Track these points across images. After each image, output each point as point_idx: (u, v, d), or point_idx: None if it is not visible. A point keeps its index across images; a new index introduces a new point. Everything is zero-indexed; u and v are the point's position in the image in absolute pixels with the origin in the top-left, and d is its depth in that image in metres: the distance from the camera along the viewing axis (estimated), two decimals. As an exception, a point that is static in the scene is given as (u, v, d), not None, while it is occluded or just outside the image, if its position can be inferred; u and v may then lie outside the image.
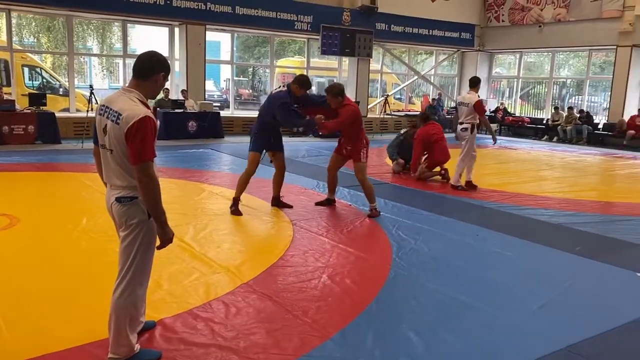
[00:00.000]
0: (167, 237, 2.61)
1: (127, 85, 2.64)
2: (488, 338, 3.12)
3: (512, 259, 4.64)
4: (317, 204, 6.23)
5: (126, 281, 2.61)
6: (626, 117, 14.69)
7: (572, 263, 4.56)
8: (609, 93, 15.54)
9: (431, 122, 8.59)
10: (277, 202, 6.06)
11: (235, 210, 5.71)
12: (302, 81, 5.63)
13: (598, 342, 3.10)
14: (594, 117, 16.01)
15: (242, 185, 5.79)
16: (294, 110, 5.61)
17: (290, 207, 6.00)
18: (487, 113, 17.57)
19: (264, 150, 5.85)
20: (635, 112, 14.59)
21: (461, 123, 7.44)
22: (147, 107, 2.56)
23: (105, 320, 2.68)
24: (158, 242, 2.65)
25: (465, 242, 5.07)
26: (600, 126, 15.59)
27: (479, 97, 7.44)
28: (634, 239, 5.27)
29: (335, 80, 17.70)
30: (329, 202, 6.26)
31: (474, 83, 7.58)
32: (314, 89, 18.96)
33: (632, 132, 14.19)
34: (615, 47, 14.96)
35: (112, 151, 2.53)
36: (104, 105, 2.57)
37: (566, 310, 3.55)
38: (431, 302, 3.62)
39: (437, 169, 8.31)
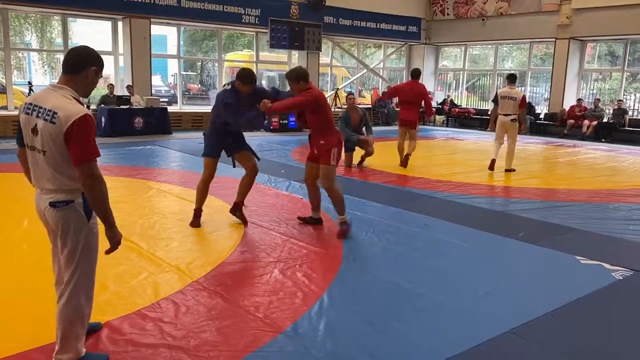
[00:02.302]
0: (116, 239, 2.50)
1: (57, 82, 2.51)
2: (436, 324, 3.19)
3: (459, 246, 4.75)
4: (300, 219, 5.31)
5: (70, 289, 2.50)
6: (566, 107, 15.28)
7: (516, 248, 4.72)
8: (550, 84, 16.12)
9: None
10: (236, 211, 5.20)
11: (194, 221, 5.08)
12: (243, 76, 4.81)
13: (540, 323, 3.23)
14: (536, 107, 16.59)
15: (201, 194, 5.12)
16: (236, 107, 4.82)
17: (245, 222, 5.17)
18: (435, 105, 18.02)
19: (228, 154, 5.14)
20: (574, 102, 15.20)
21: (508, 114, 8.49)
22: (82, 105, 2.44)
23: (48, 324, 2.60)
24: (107, 246, 2.53)
25: (414, 232, 5.16)
26: (541, 116, 16.17)
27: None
28: (575, 224, 5.50)
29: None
30: (314, 221, 5.22)
31: (515, 78, 8.72)
32: (264, 83, 18.90)
33: (572, 121, 14.79)
34: (554, 39, 15.52)
35: (45, 152, 2.37)
36: (31, 104, 2.41)
37: (510, 295, 3.67)
38: (381, 292, 3.67)
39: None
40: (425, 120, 8.86)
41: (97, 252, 2.59)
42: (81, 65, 2.45)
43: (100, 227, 2.54)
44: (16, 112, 11.72)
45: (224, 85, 5.30)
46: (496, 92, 9.07)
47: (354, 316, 3.27)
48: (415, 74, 8.87)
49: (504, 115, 8.56)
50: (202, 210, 5.17)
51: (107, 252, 2.52)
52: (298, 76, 4.75)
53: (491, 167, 8.63)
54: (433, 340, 2.99)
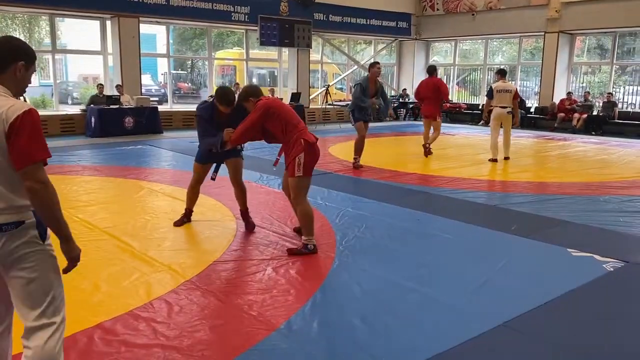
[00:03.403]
0: (75, 254, 2.12)
1: None
2: (429, 319, 3.20)
3: (451, 241, 4.77)
4: (295, 230, 4.87)
5: (56, 326, 2.08)
6: (556, 101, 15.36)
7: (509, 242, 4.74)
8: (540, 78, 16.19)
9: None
10: (244, 217, 5.01)
11: (178, 221, 5.04)
12: (218, 95, 4.56)
13: (532, 316, 3.24)
14: (526, 101, 16.65)
15: (190, 195, 5.08)
16: (207, 122, 4.62)
17: (253, 227, 4.94)
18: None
19: (214, 164, 4.94)
20: (564, 96, 15.28)
21: (504, 107, 8.98)
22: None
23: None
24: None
25: (407, 227, 5.17)
26: (532, 110, 16.24)
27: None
28: (566, 217, 5.53)
29: (276, 73, 17.63)
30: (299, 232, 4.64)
31: (505, 73, 9.43)
32: (254, 81, 18.85)
33: (562, 114, 14.86)
34: (543, 33, 15.58)
35: None
36: None
37: (503, 288, 3.69)
38: (374, 288, 3.67)
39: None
40: (442, 109, 9.63)
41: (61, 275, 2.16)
42: (5, 61, 2.04)
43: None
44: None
45: (209, 96, 5.05)
46: (490, 87, 9.23)
47: (348, 312, 3.27)
48: (430, 70, 9.50)
49: (501, 107, 9.02)
50: (192, 211, 5.14)
51: (65, 270, 2.14)
52: (246, 94, 4.36)
53: (495, 160, 9.11)
54: (426, 335, 3.00)
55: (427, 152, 9.41)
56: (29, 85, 2.18)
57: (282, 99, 14.77)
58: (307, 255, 4.25)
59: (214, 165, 4.95)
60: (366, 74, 8.26)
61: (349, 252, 4.37)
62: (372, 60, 18.99)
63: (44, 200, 1.97)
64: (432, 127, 9.48)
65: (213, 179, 4.97)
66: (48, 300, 2.06)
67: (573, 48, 16.01)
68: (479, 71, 18.93)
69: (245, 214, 5.02)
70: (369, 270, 4.00)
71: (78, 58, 19.36)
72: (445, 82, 12.47)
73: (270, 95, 4.61)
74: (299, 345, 2.87)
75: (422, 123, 9.92)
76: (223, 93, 4.54)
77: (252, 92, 4.41)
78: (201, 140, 4.82)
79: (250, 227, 4.94)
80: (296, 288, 3.63)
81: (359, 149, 8.34)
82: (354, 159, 8.36)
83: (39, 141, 1.97)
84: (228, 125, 4.47)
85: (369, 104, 8.10)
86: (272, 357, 2.75)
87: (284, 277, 3.81)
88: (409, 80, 18.90)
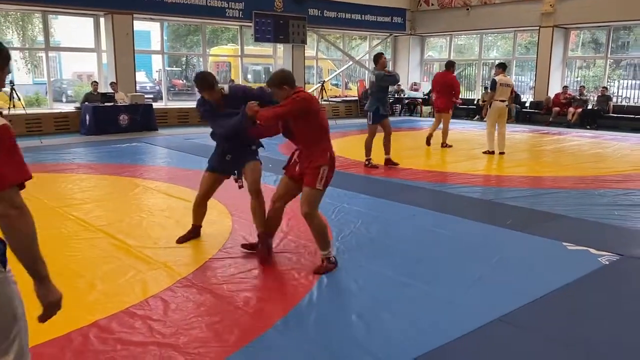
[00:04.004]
0: (54, 299, 1.76)
1: None
2: (425, 314, 3.20)
3: (447, 236, 4.77)
4: (243, 247, 4.32)
5: None
6: (551, 95, 15.38)
7: (504, 237, 4.74)
8: (534, 72, 16.20)
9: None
10: (262, 241, 4.12)
11: (182, 238, 4.43)
12: (196, 82, 4.11)
13: (528, 310, 3.25)
14: (521, 95, 16.66)
15: (196, 211, 4.53)
16: (212, 114, 4.16)
17: (268, 255, 4.07)
18: (421, 96, 18.05)
19: (233, 174, 4.36)
20: (559, 90, 15.30)
21: (503, 100, 9.20)
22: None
23: (32, 325, 2.44)
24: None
25: (403, 223, 5.17)
26: (527, 104, 16.26)
27: None
28: (561, 211, 5.54)
29: (271, 69, 17.57)
30: (252, 248, 4.22)
31: (506, 67, 9.65)
32: (249, 77, 18.81)
33: (557, 109, 14.89)
34: (538, 27, 15.58)
35: None
36: None
37: (498, 283, 3.69)
38: (371, 284, 3.68)
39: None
40: (456, 105, 10.08)
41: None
42: None
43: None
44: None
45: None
46: (494, 79, 9.31)
47: (344, 309, 3.28)
48: (446, 65, 10.07)
49: (500, 101, 9.20)
50: (199, 227, 4.56)
51: (41, 319, 1.78)
52: (281, 80, 3.76)
53: (491, 152, 9.29)
54: (422, 330, 3.00)
55: (428, 142, 9.89)
56: (4, 84, 1.94)
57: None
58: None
59: (235, 172, 4.35)
60: (373, 67, 8.15)
61: (345, 248, 4.37)
62: (367, 56, 19.03)
63: (19, 230, 1.66)
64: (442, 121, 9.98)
65: (241, 186, 4.36)
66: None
67: (568, 42, 16.03)
68: (474, 66, 18.93)
69: (265, 237, 4.10)
70: (365, 266, 4.00)
71: (72, 56, 19.25)
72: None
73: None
74: (296, 342, 2.86)
75: (417, 119, 9.97)
76: (200, 77, 4.05)
77: (288, 79, 3.79)
78: (216, 138, 4.32)
79: (265, 251, 4.08)
80: (293, 285, 3.63)
81: (369, 149, 8.14)
82: (367, 160, 8.07)
83: (15, 160, 1.68)
84: (230, 118, 4.02)
85: (398, 76, 8.29)
86: (268, 354, 2.75)
87: (280, 274, 3.81)
88: (404, 76, 18.84)
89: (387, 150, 8.12)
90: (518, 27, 16.45)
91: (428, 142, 9.90)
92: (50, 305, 1.74)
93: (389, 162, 8.12)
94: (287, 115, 3.78)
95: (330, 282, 3.68)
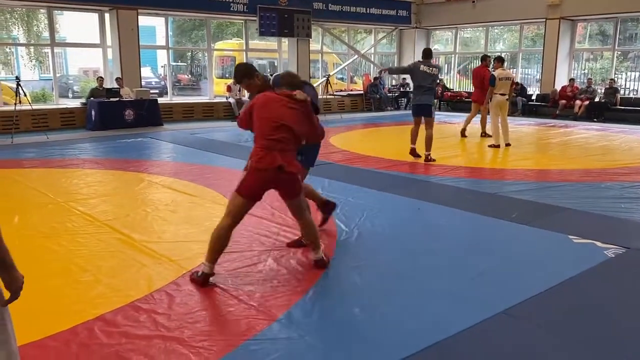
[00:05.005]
0: (17, 285, 1.79)
1: None
2: (429, 307, 3.20)
3: (451, 229, 4.76)
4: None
5: None
6: (557, 88, 15.27)
7: (509, 230, 4.72)
8: (541, 65, 16.09)
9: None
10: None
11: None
12: (234, 73, 4.05)
13: (533, 303, 3.24)
14: (528, 88, 16.56)
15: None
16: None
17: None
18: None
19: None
20: (566, 83, 15.19)
21: (504, 94, 9.33)
22: None
23: (39, 319, 2.55)
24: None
25: (407, 217, 5.16)
26: (533, 97, 16.16)
27: None
28: (567, 204, 5.51)
29: (276, 63, 17.54)
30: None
31: (504, 60, 9.89)
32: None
33: (563, 102, 14.79)
34: (544, 20, 15.47)
35: None
36: None
37: (503, 276, 3.68)
38: (374, 277, 3.67)
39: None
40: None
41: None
42: None
43: None
44: (5, 108, 11.62)
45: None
46: (492, 75, 9.28)
47: (348, 302, 3.27)
48: (481, 59, 10.88)
49: (500, 95, 9.33)
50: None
51: (5, 303, 1.82)
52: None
53: (497, 146, 9.30)
54: (426, 323, 3.00)
55: (462, 132, 10.63)
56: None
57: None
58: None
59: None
60: (418, 60, 8.28)
61: (350, 242, 4.37)
62: (372, 50, 18.97)
63: None
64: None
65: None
66: None
67: (574, 34, 15.90)
68: (480, 59, 18.79)
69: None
70: (369, 259, 4.00)
71: (77, 51, 19.32)
72: (444, 70, 12.67)
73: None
74: (299, 335, 2.87)
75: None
76: (238, 69, 3.97)
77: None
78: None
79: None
80: (297, 278, 3.63)
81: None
82: (427, 154, 8.03)
83: None
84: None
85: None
86: (272, 347, 2.76)
87: (284, 268, 3.81)
88: (409, 69, 18.78)
89: (414, 141, 8.32)
90: (524, 20, 16.33)
91: (463, 134, 10.59)
92: (17, 291, 1.80)
93: (414, 153, 8.29)
94: (244, 121, 3.73)
95: (335, 276, 3.68)
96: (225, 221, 3.53)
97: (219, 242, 3.51)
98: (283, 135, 3.50)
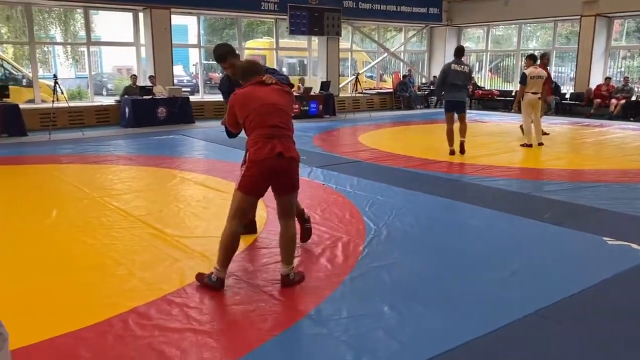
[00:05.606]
0: None
1: None
2: (459, 307, 3.18)
3: (482, 229, 4.72)
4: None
5: None
6: (592, 86, 14.93)
7: (541, 230, 4.65)
8: (575, 63, 15.75)
9: None
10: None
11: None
12: (214, 54, 3.98)
13: (566, 305, 3.19)
14: (562, 87, 16.23)
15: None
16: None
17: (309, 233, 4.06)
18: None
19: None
20: (601, 81, 14.84)
21: (536, 93, 9.09)
22: None
23: (75, 311, 2.60)
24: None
25: (437, 216, 5.13)
26: (567, 96, 15.83)
27: None
28: (601, 204, 5.40)
29: (305, 62, 17.60)
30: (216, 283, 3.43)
31: (536, 58, 9.58)
32: (284, 70, 18.86)
33: (598, 100, 14.45)
34: (579, 17, 15.13)
35: None
36: None
37: (535, 276, 3.64)
38: (404, 275, 3.67)
39: None
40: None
41: None
42: None
43: None
44: (44, 105, 11.95)
45: None
46: (523, 73, 9.14)
47: (377, 300, 3.27)
48: (540, 57, 10.33)
49: (532, 94, 9.09)
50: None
51: None
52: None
53: (529, 145, 9.10)
54: (456, 323, 2.98)
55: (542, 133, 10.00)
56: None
57: (311, 87, 14.73)
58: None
59: None
60: (453, 59, 8.70)
61: (378, 240, 4.37)
62: (402, 48, 18.85)
63: None
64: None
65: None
66: None
67: (611, 32, 15.50)
68: (512, 57, 18.52)
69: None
70: (399, 258, 4.00)
71: (112, 50, 19.70)
72: (475, 68, 12.38)
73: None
74: (329, 331, 2.89)
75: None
76: (215, 49, 3.91)
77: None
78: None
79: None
80: (325, 275, 3.65)
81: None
82: (462, 140, 8.39)
83: None
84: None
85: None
86: (301, 342, 2.79)
87: (314, 264, 3.84)
88: (439, 68, 18.61)
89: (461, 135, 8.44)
90: (558, 17, 16.00)
91: (543, 133, 10.07)
92: None
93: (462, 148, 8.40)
94: (229, 116, 3.51)
95: (364, 274, 3.69)
96: (231, 225, 3.35)
97: (231, 249, 3.38)
98: (279, 119, 3.32)
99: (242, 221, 3.43)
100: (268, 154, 3.22)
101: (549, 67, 12.34)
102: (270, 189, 3.43)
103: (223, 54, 3.87)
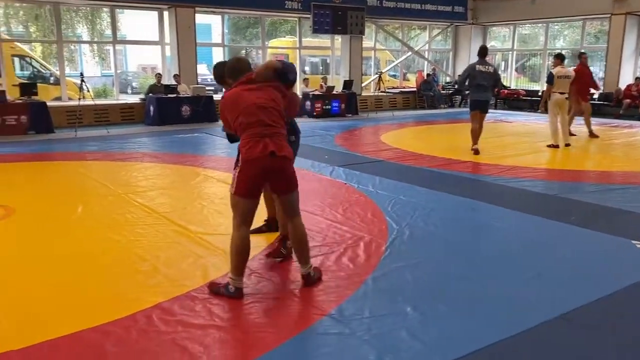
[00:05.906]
0: None
1: None
2: (482, 308, 3.14)
3: (507, 230, 4.65)
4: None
5: None
6: (622, 86, 14.62)
7: (567, 233, 4.57)
8: (604, 63, 15.44)
9: None
10: (277, 254, 3.91)
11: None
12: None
13: (591, 309, 3.13)
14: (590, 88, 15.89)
15: (269, 200, 4.10)
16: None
17: (281, 257, 3.92)
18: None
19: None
20: (631, 81, 14.52)
21: (563, 93, 8.98)
22: None
23: (100, 305, 2.63)
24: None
25: (461, 216, 5.08)
26: (595, 96, 15.50)
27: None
28: (630, 207, 5.28)
29: (328, 61, 17.58)
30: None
31: (564, 58, 9.44)
32: (306, 69, 18.88)
33: (628, 101, 14.15)
34: (609, 15, 14.83)
35: None
36: None
37: (560, 279, 3.57)
38: (427, 276, 3.64)
39: None
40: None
41: None
42: None
43: None
44: (70, 103, 12.16)
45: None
46: (550, 72, 9.01)
47: (399, 300, 3.25)
48: (578, 56, 10.63)
49: (559, 94, 8.97)
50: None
51: None
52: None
53: (556, 146, 8.98)
54: (480, 324, 2.95)
55: (592, 135, 10.24)
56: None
57: (333, 86, 14.70)
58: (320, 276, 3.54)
59: None
60: (478, 59, 8.38)
61: (401, 240, 4.34)
62: (426, 46, 18.70)
63: None
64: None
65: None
66: None
67: (642, 30, 15.16)
68: (538, 56, 18.25)
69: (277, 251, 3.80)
70: (421, 258, 3.96)
71: (137, 49, 19.96)
72: (501, 68, 12.21)
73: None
74: (351, 330, 2.88)
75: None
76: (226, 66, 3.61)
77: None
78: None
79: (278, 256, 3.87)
80: (347, 274, 3.64)
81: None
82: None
83: None
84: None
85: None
86: (323, 341, 2.79)
87: (335, 264, 3.83)
88: (464, 67, 18.43)
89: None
90: (587, 15, 15.70)
91: (593, 135, 10.24)
92: None
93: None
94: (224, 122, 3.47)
95: (386, 274, 3.67)
96: (239, 232, 3.27)
97: (244, 255, 3.29)
98: (269, 118, 3.24)
99: (249, 225, 3.35)
100: (260, 153, 3.17)
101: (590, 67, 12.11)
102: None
103: (220, 75, 3.69)
